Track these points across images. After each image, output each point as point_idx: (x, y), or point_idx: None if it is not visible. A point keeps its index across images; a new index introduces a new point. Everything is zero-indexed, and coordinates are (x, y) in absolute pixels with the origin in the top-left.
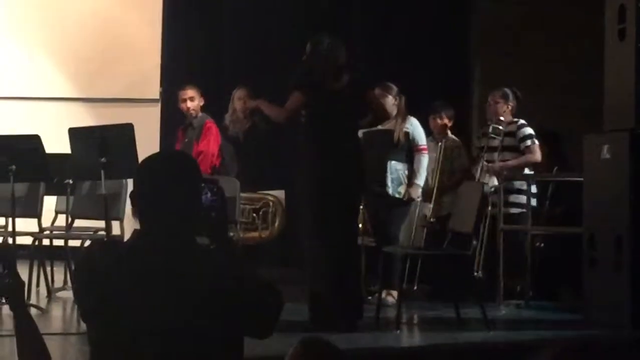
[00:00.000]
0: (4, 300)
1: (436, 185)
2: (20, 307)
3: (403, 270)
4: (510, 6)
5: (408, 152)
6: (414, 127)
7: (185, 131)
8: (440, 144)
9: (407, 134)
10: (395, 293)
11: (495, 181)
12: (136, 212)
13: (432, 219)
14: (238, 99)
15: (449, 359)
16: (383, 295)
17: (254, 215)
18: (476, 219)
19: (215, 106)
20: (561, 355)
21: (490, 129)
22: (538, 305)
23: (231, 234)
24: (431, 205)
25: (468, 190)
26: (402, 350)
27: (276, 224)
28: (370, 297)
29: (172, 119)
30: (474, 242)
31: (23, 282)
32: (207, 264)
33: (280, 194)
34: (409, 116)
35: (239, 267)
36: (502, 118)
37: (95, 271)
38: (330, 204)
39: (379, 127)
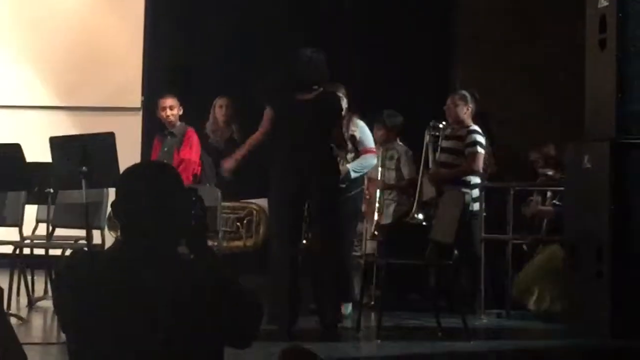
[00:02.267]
0: None
1: (378, 195)
2: None
3: (391, 280)
4: (493, 15)
5: (356, 156)
6: (361, 130)
7: (164, 140)
8: (381, 151)
9: (353, 137)
10: (348, 305)
11: (434, 191)
12: (111, 224)
13: (375, 232)
14: (219, 107)
15: None
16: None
17: (238, 224)
18: (457, 229)
19: (196, 115)
20: None
21: (449, 131)
22: (519, 314)
23: (213, 243)
24: (375, 215)
25: (448, 199)
26: (383, 359)
27: (260, 232)
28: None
29: (154, 127)
30: (455, 252)
31: (1, 290)
32: (187, 274)
33: (263, 202)
34: (353, 117)
35: (219, 277)
36: (462, 121)
37: (75, 281)
38: (296, 215)
39: None
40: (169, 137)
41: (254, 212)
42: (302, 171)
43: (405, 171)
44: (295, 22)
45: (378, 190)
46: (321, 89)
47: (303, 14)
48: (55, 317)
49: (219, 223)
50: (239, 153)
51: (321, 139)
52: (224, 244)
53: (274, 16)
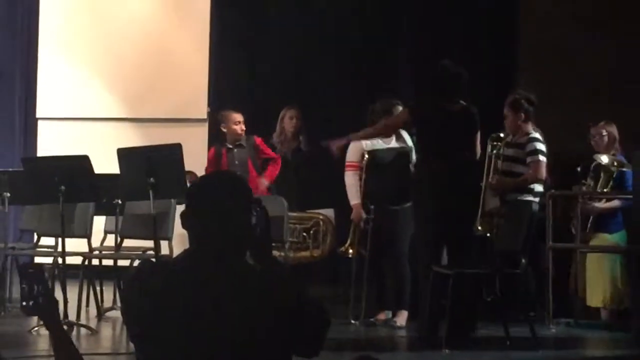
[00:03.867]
0: (41, 322)
1: None
2: (54, 326)
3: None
4: (557, 20)
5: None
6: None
7: (232, 152)
8: None
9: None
10: (404, 314)
11: (497, 201)
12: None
13: None
14: (289, 119)
15: None
16: (391, 316)
17: (305, 234)
18: (524, 237)
19: (262, 126)
20: None
21: (510, 138)
22: (588, 324)
23: (280, 253)
24: None
25: (515, 207)
26: None
27: (327, 243)
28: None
29: (220, 138)
30: (523, 261)
31: (56, 301)
32: (255, 284)
33: (329, 212)
34: (400, 130)
35: (287, 287)
36: (519, 127)
37: (144, 291)
38: (440, 233)
39: (388, 145)
40: (236, 150)
41: (321, 222)
42: (447, 182)
43: None
44: (362, 35)
45: None
46: (462, 103)
47: (364, 20)
48: (124, 327)
49: (286, 233)
50: (357, 135)
51: (464, 149)
52: (291, 254)
53: (339, 25)
